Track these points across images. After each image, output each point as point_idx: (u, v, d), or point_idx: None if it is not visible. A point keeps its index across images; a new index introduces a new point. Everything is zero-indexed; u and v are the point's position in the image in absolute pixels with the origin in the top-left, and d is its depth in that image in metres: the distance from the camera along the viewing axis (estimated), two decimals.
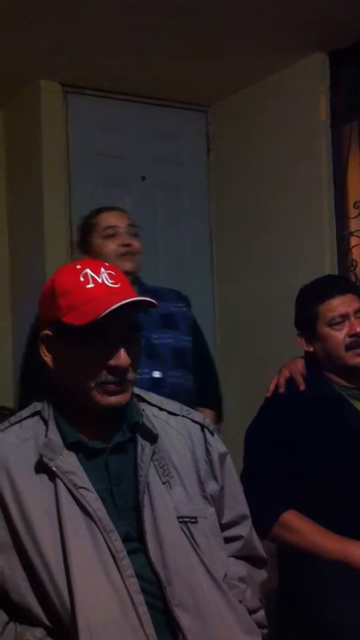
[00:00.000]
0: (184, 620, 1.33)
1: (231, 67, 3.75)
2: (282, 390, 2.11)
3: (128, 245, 2.35)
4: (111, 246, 2.34)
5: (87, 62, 3.61)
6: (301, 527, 1.91)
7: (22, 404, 2.04)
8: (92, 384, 1.38)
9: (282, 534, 1.93)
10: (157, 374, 2.26)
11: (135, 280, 2.39)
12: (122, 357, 1.37)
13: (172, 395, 2.25)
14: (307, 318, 2.12)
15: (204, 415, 1.62)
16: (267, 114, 3.93)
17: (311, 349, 2.13)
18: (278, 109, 3.87)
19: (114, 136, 4.04)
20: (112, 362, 1.37)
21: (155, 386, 2.24)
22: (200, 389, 2.43)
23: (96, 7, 3.02)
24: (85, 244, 2.40)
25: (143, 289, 2.41)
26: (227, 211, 4.27)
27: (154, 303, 1.40)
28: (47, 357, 1.43)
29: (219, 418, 2.56)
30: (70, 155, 3.91)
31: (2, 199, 4.14)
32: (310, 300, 2.12)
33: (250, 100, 4.05)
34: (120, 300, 1.34)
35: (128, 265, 2.32)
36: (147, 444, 1.44)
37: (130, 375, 1.40)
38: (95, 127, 3.99)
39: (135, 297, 1.39)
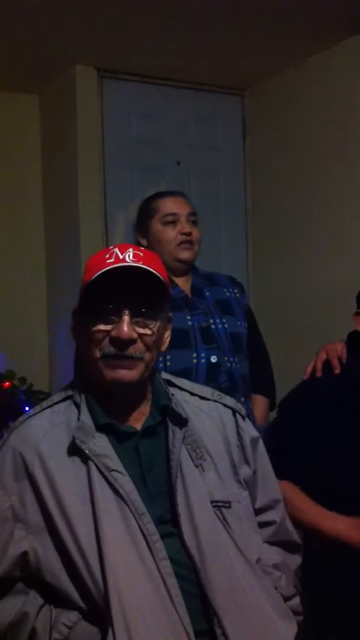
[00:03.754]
0: (219, 603, 1.32)
1: (268, 50, 3.69)
2: (319, 374, 2.06)
3: (188, 234, 2.33)
4: (171, 233, 2.33)
5: (123, 48, 3.60)
6: (294, 500, 1.86)
7: None
8: (98, 355, 1.39)
9: None
10: (214, 359, 2.25)
11: (190, 267, 2.39)
12: (124, 328, 1.37)
13: (229, 380, 2.25)
14: None
15: (253, 400, 1.59)
16: (306, 98, 3.87)
17: None
18: (316, 92, 3.80)
19: (149, 121, 4.02)
20: (113, 332, 1.38)
21: (212, 371, 2.23)
22: (253, 376, 2.41)
23: None
24: (144, 227, 2.38)
25: (197, 275, 2.42)
26: (263, 197, 4.23)
27: (155, 274, 1.38)
28: (75, 334, 1.48)
29: (271, 406, 2.53)
30: (106, 141, 3.90)
31: (37, 184, 4.16)
32: None
33: (288, 83, 3.99)
34: (127, 271, 1.36)
35: (186, 254, 2.32)
36: (177, 428, 1.44)
37: (133, 351, 1.39)
38: (131, 112, 3.97)
39: (155, 274, 1.39)
